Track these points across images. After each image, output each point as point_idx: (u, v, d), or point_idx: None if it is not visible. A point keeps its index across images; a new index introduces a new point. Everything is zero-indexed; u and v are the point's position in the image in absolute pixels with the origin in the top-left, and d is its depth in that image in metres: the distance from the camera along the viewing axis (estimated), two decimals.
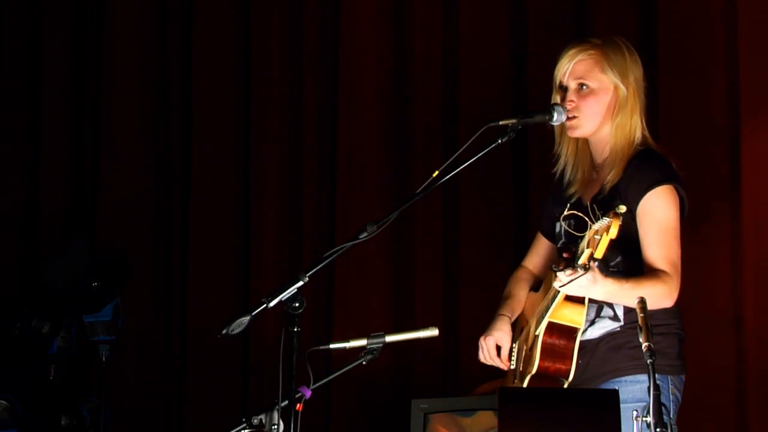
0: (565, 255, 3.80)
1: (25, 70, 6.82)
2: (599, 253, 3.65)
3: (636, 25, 5.55)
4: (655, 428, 3.43)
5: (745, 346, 5.20)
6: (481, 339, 4.24)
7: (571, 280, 3.73)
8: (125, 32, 6.70)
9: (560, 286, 3.80)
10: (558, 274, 3.75)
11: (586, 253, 3.68)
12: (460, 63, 5.97)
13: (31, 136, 6.78)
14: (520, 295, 4.33)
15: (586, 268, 3.70)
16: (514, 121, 4.00)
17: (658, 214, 3.98)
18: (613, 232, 3.60)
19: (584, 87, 4.12)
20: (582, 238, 3.76)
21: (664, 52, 5.43)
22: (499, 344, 4.22)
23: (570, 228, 3.83)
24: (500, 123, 4.00)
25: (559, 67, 4.16)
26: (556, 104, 4.12)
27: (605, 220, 3.61)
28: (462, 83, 5.96)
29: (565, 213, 3.89)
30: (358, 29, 6.20)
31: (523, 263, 4.44)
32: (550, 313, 3.94)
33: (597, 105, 4.11)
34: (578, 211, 4.05)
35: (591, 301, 3.98)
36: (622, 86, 4.11)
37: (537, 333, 3.99)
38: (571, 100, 4.11)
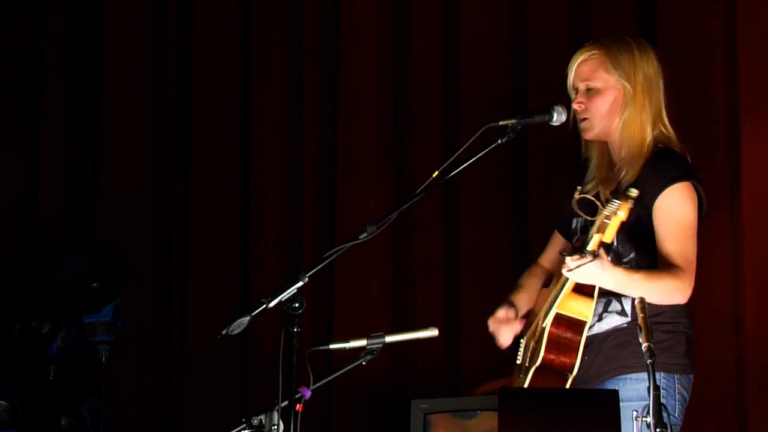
0: (575, 242, 3.79)
1: (25, 71, 6.82)
2: (608, 237, 3.64)
3: (636, 25, 5.55)
4: (655, 428, 3.42)
5: (745, 346, 5.20)
6: (490, 329, 4.23)
7: (578, 266, 3.73)
8: (125, 32, 6.70)
9: (567, 272, 3.78)
10: (566, 259, 3.75)
11: (596, 238, 3.68)
12: (460, 63, 5.97)
13: (31, 137, 6.78)
14: (532, 288, 4.32)
15: (595, 255, 3.70)
16: (513, 121, 4.01)
17: (676, 209, 3.97)
18: (622, 215, 3.59)
19: (590, 89, 4.14)
20: (593, 224, 3.75)
21: (664, 52, 5.42)
22: (500, 318, 4.20)
23: (582, 212, 3.79)
24: (500, 123, 4.00)
25: (568, 70, 4.19)
26: (555, 105, 4.12)
27: (615, 203, 3.61)
28: (462, 83, 5.96)
29: (576, 197, 3.87)
30: (358, 29, 6.20)
31: (538, 260, 4.44)
32: (557, 304, 3.93)
33: (604, 105, 4.13)
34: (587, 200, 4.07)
35: (599, 295, 3.97)
36: (627, 84, 4.12)
37: (544, 325, 3.98)
38: (580, 102, 4.14)
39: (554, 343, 3.95)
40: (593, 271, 3.78)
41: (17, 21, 6.86)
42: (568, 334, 3.95)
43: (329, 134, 6.24)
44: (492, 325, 4.21)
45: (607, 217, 3.64)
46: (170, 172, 6.58)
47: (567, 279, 3.90)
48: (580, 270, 3.77)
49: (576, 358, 3.94)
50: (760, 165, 5.20)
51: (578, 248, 3.75)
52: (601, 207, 3.65)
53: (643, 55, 4.18)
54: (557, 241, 4.39)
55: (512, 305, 4.22)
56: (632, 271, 3.89)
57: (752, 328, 5.18)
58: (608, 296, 4.01)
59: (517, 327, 4.19)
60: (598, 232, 3.68)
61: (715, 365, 5.16)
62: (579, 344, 3.95)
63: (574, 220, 4.21)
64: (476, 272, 5.81)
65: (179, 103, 6.59)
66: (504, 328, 4.19)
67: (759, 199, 5.20)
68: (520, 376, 4.15)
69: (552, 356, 3.94)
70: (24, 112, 6.81)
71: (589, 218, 3.73)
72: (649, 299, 3.90)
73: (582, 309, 3.95)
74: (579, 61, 4.17)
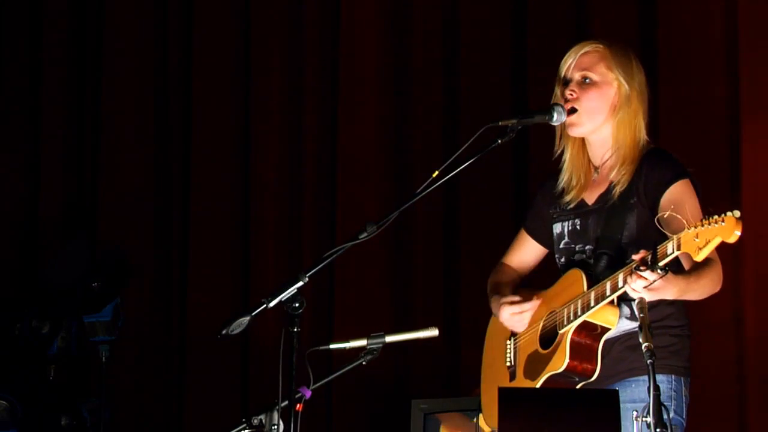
0: (636, 257, 3.71)
1: (25, 70, 6.83)
2: (701, 257, 3.59)
3: (636, 26, 5.55)
4: (655, 428, 3.42)
5: (745, 346, 5.20)
6: (502, 317, 4.18)
7: (651, 283, 3.68)
8: (125, 32, 6.71)
9: (644, 287, 3.69)
10: (635, 280, 3.69)
11: (675, 254, 3.62)
12: (460, 63, 5.97)
13: (31, 137, 6.79)
14: (509, 284, 4.30)
15: (666, 271, 3.66)
16: (513, 121, 3.98)
17: (688, 203, 3.94)
18: (734, 238, 3.54)
19: (587, 80, 4.10)
20: (662, 241, 3.67)
21: (664, 53, 5.43)
22: (513, 302, 4.17)
23: (661, 226, 3.72)
24: (500, 123, 3.98)
25: (564, 61, 4.13)
26: (556, 104, 4.10)
27: (718, 223, 3.55)
28: (462, 83, 5.96)
29: (665, 215, 3.75)
30: (358, 30, 6.21)
31: (504, 260, 4.40)
32: (590, 314, 3.91)
33: (599, 99, 4.08)
34: (592, 214, 4.05)
35: None
36: (625, 84, 4.08)
37: (563, 331, 3.96)
38: (573, 90, 4.08)
39: (576, 350, 3.93)
40: (663, 287, 3.73)
41: (17, 21, 6.87)
42: (588, 341, 3.94)
43: (329, 134, 6.24)
44: (508, 315, 4.15)
45: (699, 236, 3.56)
46: (170, 172, 6.58)
47: (605, 293, 3.86)
48: (651, 287, 3.71)
49: (596, 363, 3.94)
50: (760, 165, 5.20)
51: (648, 265, 3.67)
52: (687, 225, 3.59)
53: (638, 63, 4.16)
54: (525, 242, 4.35)
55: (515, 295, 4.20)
56: (687, 276, 3.84)
57: (752, 328, 5.18)
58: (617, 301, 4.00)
59: (535, 305, 4.13)
60: (678, 249, 3.61)
61: (715, 365, 5.16)
62: (597, 350, 3.95)
63: (558, 225, 4.19)
64: (476, 272, 5.79)
65: (179, 103, 6.59)
66: (524, 315, 4.15)
67: (759, 199, 5.20)
68: (513, 380, 4.14)
69: (575, 363, 3.93)
70: (24, 111, 6.81)
71: (668, 233, 3.65)
72: (699, 296, 3.89)
73: (609, 317, 3.94)
74: (581, 52, 4.12)
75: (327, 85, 6.28)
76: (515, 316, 4.15)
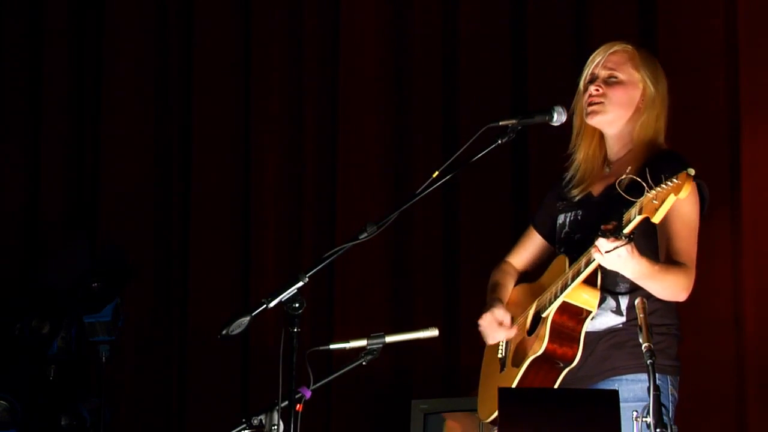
0: (604, 227, 3.73)
1: (25, 70, 6.83)
2: (657, 218, 3.59)
3: (636, 25, 5.55)
4: (655, 428, 3.42)
5: (745, 346, 5.20)
6: (480, 322, 4.21)
7: (615, 248, 3.69)
8: (125, 32, 6.70)
9: (605, 252, 3.70)
10: (600, 241, 3.69)
11: (637, 220, 3.62)
12: (460, 63, 5.97)
13: (31, 137, 6.78)
14: (508, 285, 4.31)
15: (630, 239, 3.66)
16: (514, 121, 3.99)
17: (683, 208, 3.93)
18: (684, 194, 3.54)
19: (614, 78, 4.12)
20: (627, 207, 3.69)
21: (664, 52, 5.43)
22: (498, 320, 4.18)
23: (623, 192, 3.72)
24: (500, 123, 3.99)
25: (592, 59, 4.16)
26: (555, 105, 4.11)
27: (672, 182, 3.56)
28: (462, 83, 5.96)
29: (622, 177, 3.80)
30: (358, 29, 6.21)
31: (507, 258, 4.41)
32: (567, 293, 3.91)
33: (624, 96, 4.11)
34: (595, 205, 4.05)
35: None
36: (651, 86, 4.12)
37: (545, 315, 3.97)
38: (599, 86, 4.11)
39: (557, 333, 3.93)
40: (625, 256, 3.73)
41: (17, 21, 6.86)
42: (571, 324, 3.94)
43: (329, 134, 6.24)
44: (487, 323, 4.19)
45: (656, 197, 3.57)
46: (170, 171, 6.58)
47: (580, 269, 3.87)
48: (613, 254, 3.72)
49: (578, 348, 3.93)
50: (760, 165, 5.20)
51: (612, 231, 3.68)
52: (647, 188, 3.59)
53: (662, 70, 4.19)
54: (531, 239, 4.36)
55: (506, 309, 4.20)
56: (654, 263, 3.86)
57: (752, 328, 5.19)
58: (603, 293, 4.00)
59: (511, 333, 4.17)
60: (641, 213, 3.61)
61: (715, 365, 5.16)
62: (580, 334, 3.94)
63: (562, 216, 4.20)
64: (476, 273, 5.80)
65: (179, 102, 6.60)
66: (499, 332, 4.17)
67: (759, 199, 5.20)
68: (503, 371, 4.14)
69: (555, 346, 3.93)
70: (24, 111, 6.81)
71: (632, 199, 3.66)
72: (658, 293, 3.90)
73: (590, 299, 3.94)
74: (610, 51, 4.15)
75: (327, 85, 6.28)
76: (490, 327, 4.16)
